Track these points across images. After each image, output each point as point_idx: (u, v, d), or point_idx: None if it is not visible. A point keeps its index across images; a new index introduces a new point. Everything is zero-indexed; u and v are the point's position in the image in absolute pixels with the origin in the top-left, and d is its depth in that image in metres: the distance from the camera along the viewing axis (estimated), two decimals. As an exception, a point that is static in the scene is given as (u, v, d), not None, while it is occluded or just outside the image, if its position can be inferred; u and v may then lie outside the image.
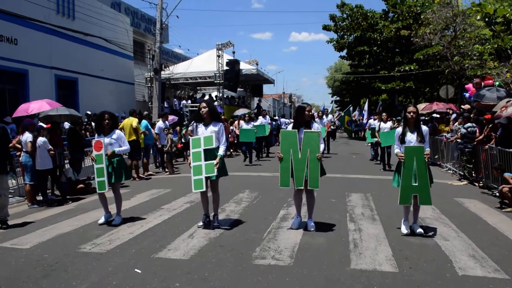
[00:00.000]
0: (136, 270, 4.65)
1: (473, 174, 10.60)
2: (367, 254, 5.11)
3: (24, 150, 8.63)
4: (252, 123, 15.45)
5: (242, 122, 16.07)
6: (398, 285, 4.21)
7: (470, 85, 14.08)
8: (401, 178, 5.89)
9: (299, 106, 6.37)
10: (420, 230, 5.93)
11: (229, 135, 16.85)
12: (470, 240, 5.70)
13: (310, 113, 6.18)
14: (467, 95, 14.20)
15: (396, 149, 6.13)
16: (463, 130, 10.62)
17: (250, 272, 4.57)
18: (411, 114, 6.03)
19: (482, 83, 12.93)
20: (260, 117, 17.65)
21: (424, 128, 6.08)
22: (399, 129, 6.20)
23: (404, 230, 5.99)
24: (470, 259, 4.96)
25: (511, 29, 8.46)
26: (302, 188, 6.06)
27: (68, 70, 18.82)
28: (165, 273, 4.57)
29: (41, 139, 8.47)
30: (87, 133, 14.95)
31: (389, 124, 13.10)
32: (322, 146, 6.12)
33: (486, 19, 8.53)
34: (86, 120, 16.89)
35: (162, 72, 22.44)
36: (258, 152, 16.15)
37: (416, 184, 5.80)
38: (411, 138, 5.98)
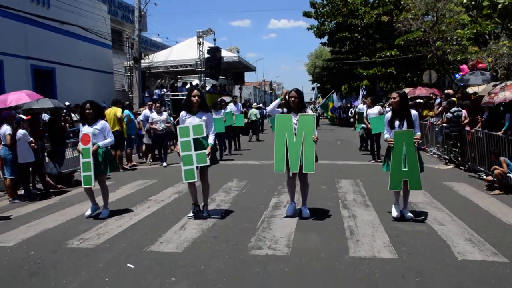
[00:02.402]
0: (128, 265, 4.47)
1: (459, 158, 10.66)
2: (365, 241, 5.03)
3: (2, 143, 8.27)
4: (222, 111, 13.64)
5: (211, 111, 13.98)
6: (399, 272, 4.13)
7: (464, 66, 14.11)
8: (390, 163, 5.83)
9: (289, 90, 6.28)
10: (410, 214, 5.92)
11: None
12: (464, 224, 5.69)
13: (293, 99, 6.01)
14: (458, 76, 14.24)
15: (386, 135, 6.09)
16: (449, 115, 10.64)
17: (247, 264, 4.44)
18: (392, 100, 6.05)
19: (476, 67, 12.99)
20: (231, 104, 15.95)
21: (414, 112, 6.03)
22: (388, 115, 6.17)
23: (394, 213, 5.96)
24: (468, 243, 4.93)
25: (498, 12, 8.37)
26: (297, 172, 5.94)
27: (45, 60, 18.16)
28: (159, 267, 4.41)
29: (21, 132, 8.11)
30: (67, 124, 14.53)
31: (377, 109, 12.01)
32: None
33: (473, 2, 8.45)
34: (64, 111, 16.39)
35: (142, 61, 21.95)
36: (230, 144, 14.44)
37: (406, 169, 5.76)
38: (399, 123, 5.93)
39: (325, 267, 4.30)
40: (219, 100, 14.51)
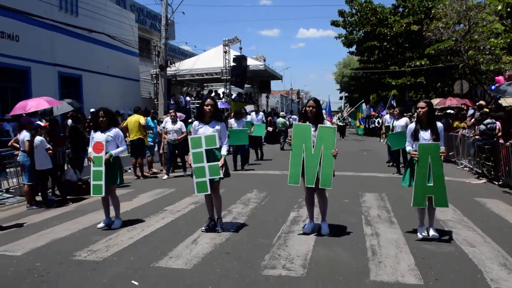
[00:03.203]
0: (133, 282, 4.23)
1: (492, 172, 10.08)
2: (388, 263, 4.64)
3: (21, 149, 8.24)
4: (243, 119, 13.14)
5: (231, 120, 13.01)
6: (425, 301, 3.75)
7: (500, 78, 13.53)
8: (414, 177, 5.45)
9: (308, 99, 6.00)
10: (435, 234, 5.49)
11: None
12: (498, 246, 5.21)
13: (311, 109, 5.65)
14: (493, 87, 13.68)
15: (408, 147, 5.71)
16: (482, 127, 10.09)
17: (259, 285, 4.13)
18: (419, 109, 5.62)
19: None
20: (253, 113, 15.70)
21: (439, 124, 5.61)
22: (412, 125, 5.78)
23: (419, 235, 5.54)
24: (502, 268, 4.48)
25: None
26: (313, 186, 5.60)
27: (72, 67, 18.44)
28: (166, 285, 4.15)
29: (38, 138, 8.07)
30: (91, 131, 14.56)
31: (404, 120, 10.90)
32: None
33: (508, 9, 7.99)
34: (90, 118, 16.51)
35: (168, 69, 22.04)
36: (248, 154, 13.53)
37: (431, 184, 5.36)
38: (425, 135, 5.56)
39: (342, 292, 3.96)
40: (241, 109, 14.18)
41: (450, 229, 5.97)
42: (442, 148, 5.48)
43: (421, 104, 5.67)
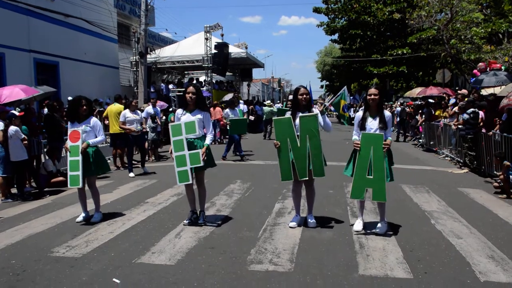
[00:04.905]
0: (114, 279, 4.04)
1: (475, 162, 10.14)
2: (376, 256, 4.56)
3: (-5, 139, 7.90)
4: (237, 109, 12.88)
5: (227, 110, 12.77)
6: (415, 296, 3.68)
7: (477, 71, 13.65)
8: (354, 168, 5.26)
9: (296, 88, 5.79)
10: (377, 230, 5.29)
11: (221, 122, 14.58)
12: (484, 237, 5.20)
13: (306, 96, 5.49)
14: (473, 80, 13.80)
15: (354, 136, 5.43)
16: (466, 116, 10.11)
17: (245, 280, 4.00)
18: (372, 96, 5.27)
19: (488, 68, 12.42)
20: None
21: (387, 113, 5.37)
22: (359, 114, 5.48)
23: (357, 227, 5.38)
24: (490, 261, 4.45)
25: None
26: (306, 178, 5.48)
27: (48, 53, 17.83)
28: (148, 283, 3.97)
29: (12, 128, 7.73)
30: (69, 121, 14.14)
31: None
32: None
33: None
34: (67, 106, 16.06)
35: (148, 56, 21.53)
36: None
37: (371, 177, 5.14)
38: (372, 124, 5.29)
39: (331, 287, 3.86)
40: (232, 97, 13.84)
41: (435, 220, 5.95)
42: (389, 140, 5.25)
43: (373, 90, 5.31)
